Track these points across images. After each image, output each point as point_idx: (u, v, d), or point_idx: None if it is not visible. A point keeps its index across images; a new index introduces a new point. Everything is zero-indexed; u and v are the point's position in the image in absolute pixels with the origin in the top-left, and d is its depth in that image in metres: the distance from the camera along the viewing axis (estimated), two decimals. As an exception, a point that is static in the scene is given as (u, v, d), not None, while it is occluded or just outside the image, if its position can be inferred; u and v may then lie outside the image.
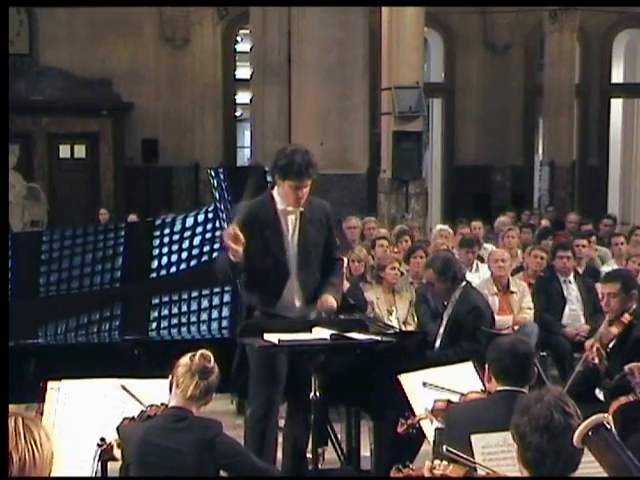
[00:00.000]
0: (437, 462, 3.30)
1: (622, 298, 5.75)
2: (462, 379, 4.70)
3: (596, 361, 5.61)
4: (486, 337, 6.15)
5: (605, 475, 3.30)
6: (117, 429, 4.10)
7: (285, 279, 5.24)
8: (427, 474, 3.33)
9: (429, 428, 4.46)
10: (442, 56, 20.24)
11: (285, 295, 5.26)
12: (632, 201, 21.22)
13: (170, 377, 4.01)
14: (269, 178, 6.12)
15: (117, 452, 4.09)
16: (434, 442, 4.36)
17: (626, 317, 5.70)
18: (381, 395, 5.28)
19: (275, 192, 5.28)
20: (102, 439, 4.10)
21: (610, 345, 5.71)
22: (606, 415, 2.65)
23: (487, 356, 4.12)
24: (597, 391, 5.67)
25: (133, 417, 4.15)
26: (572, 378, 6.16)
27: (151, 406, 4.17)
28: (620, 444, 2.56)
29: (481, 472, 3.31)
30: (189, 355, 3.99)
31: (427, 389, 4.62)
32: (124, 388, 4.36)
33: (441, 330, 6.59)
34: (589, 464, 3.29)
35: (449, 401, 4.38)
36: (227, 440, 4.01)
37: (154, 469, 3.87)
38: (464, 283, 6.65)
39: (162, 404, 4.12)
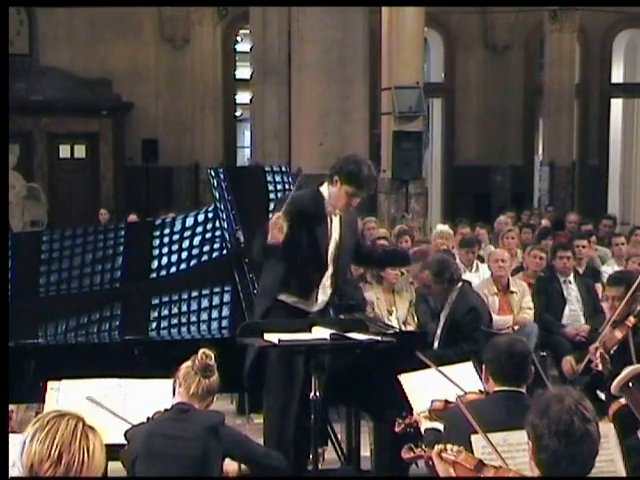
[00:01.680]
0: (449, 446, 3.28)
1: (626, 301, 5.72)
2: (462, 379, 4.70)
3: (600, 368, 5.56)
4: (485, 337, 6.15)
5: (601, 474, 3.30)
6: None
7: (322, 275, 5.34)
8: (435, 457, 3.31)
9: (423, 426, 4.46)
10: (442, 56, 20.24)
11: (317, 289, 5.34)
12: (632, 201, 21.22)
13: (173, 381, 4.05)
14: (269, 178, 6.12)
15: None
16: (425, 442, 4.36)
17: (630, 320, 5.66)
18: (381, 395, 5.28)
19: (324, 189, 5.34)
20: None
21: (613, 349, 5.67)
22: None
23: (484, 356, 4.11)
24: (598, 390, 5.67)
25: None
26: (584, 362, 6.01)
27: (155, 413, 4.20)
28: None
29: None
30: (192, 358, 4.06)
31: (427, 384, 4.62)
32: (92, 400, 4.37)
33: (439, 331, 6.59)
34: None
35: (447, 401, 4.38)
36: (230, 428, 4.12)
37: (161, 458, 3.91)
38: (461, 284, 6.65)
39: (165, 410, 4.15)
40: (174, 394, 4.07)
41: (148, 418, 4.17)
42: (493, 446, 3.30)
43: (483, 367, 4.10)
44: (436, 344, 6.56)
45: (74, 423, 2.34)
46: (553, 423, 2.79)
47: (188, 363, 4.03)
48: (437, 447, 3.31)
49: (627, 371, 2.54)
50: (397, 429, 4.53)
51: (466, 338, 6.36)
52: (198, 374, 3.99)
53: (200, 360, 4.00)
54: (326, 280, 5.37)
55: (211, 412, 4.07)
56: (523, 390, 3.96)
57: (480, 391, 4.36)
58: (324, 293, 5.39)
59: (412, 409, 4.61)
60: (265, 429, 5.44)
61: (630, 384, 2.53)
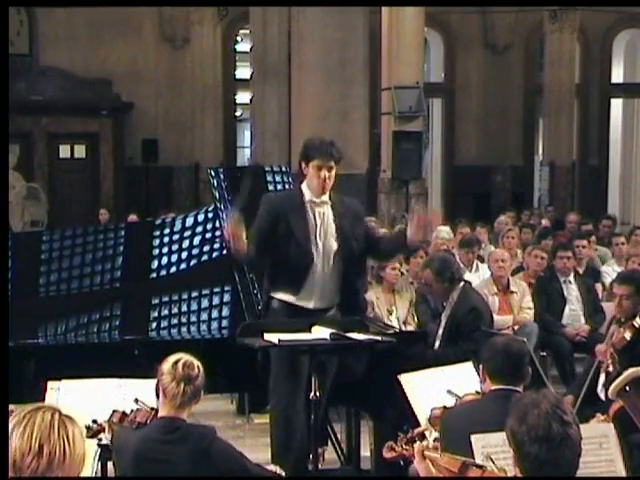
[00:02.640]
0: (427, 443, 3.24)
1: (634, 300, 5.72)
2: (462, 379, 4.70)
3: (611, 369, 5.54)
4: (485, 337, 6.14)
5: (601, 474, 3.30)
6: (108, 422, 4.12)
7: (309, 267, 5.28)
8: (417, 456, 3.29)
9: (429, 439, 4.44)
10: (442, 56, 20.24)
11: (309, 283, 5.29)
12: (632, 201, 21.22)
13: (156, 383, 3.98)
14: (269, 178, 6.12)
15: (109, 435, 4.10)
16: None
17: (637, 321, 5.65)
18: (381, 395, 5.28)
19: (304, 185, 5.38)
20: (94, 421, 4.11)
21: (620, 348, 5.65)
22: None
23: (481, 356, 4.11)
24: (599, 389, 5.66)
25: (124, 412, 4.15)
26: (585, 388, 5.94)
27: (139, 410, 4.15)
28: None
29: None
30: (172, 361, 3.93)
31: (427, 384, 4.62)
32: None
33: (440, 331, 6.57)
34: (589, 464, 3.29)
35: (445, 407, 4.37)
36: (222, 447, 3.96)
37: None
38: (462, 284, 6.63)
39: (152, 409, 4.11)
40: (157, 397, 3.98)
41: (132, 410, 4.13)
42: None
43: (480, 367, 4.10)
44: (437, 344, 6.55)
45: (50, 414, 2.35)
46: (532, 430, 2.77)
47: (169, 368, 3.89)
48: (418, 445, 3.29)
49: (624, 376, 2.54)
50: (398, 444, 4.39)
51: (466, 338, 6.35)
52: (181, 384, 3.88)
53: (182, 372, 3.88)
54: (317, 275, 5.31)
55: (202, 431, 3.94)
56: (520, 389, 3.96)
57: (477, 392, 4.35)
58: (323, 287, 5.33)
59: (416, 419, 4.56)
60: (272, 430, 5.41)
61: (627, 388, 2.52)
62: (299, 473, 5.18)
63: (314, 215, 5.32)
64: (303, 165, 5.34)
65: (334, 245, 5.33)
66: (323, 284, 5.32)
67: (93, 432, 4.11)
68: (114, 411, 4.18)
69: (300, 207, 5.30)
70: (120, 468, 3.97)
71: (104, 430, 4.11)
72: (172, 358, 3.96)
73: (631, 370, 2.57)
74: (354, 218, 5.44)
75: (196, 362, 3.95)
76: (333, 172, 5.30)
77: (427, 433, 4.37)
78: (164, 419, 3.95)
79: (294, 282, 5.29)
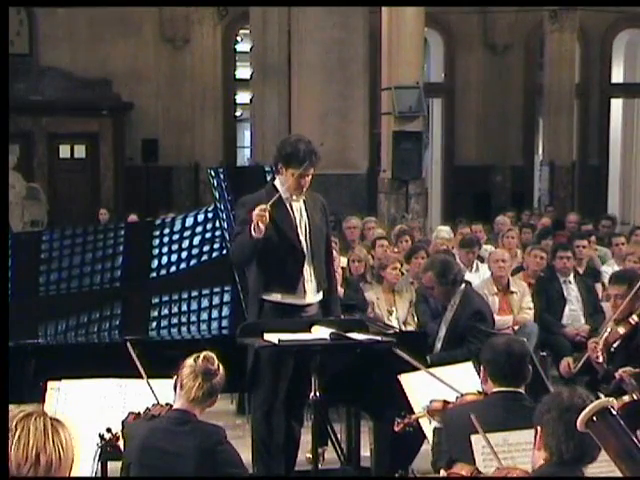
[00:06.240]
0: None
1: (630, 299, 5.72)
2: (462, 379, 4.70)
3: (600, 360, 5.57)
4: (485, 337, 6.13)
5: (601, 474, 3.30)
6: (122, 423, 4.12)
7: (302, 263, 5.32)
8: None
9: (428, 428, 4.46)
10: (442, 56, 20.24)
11: (302, 280, 5.32)
12: (632, 201, 21.21)
13: (175, 377, 3.99)
14: (269, 178, 6.14)
15: (121, 443, 4.11)
16: (433, 442, 4.36)
17: (634, 318, 5.66)
18: (381, 395, 5.28)
19: (277, 182, 5.37)
20: (108, 429, 4.11)
21: (614, 345, 5.67)
22: (611, 399, 2.62)
23: (482, 357, 4.11)
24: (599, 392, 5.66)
25: (139, 413, 4.16)
26: (581, 363, 6.00)
27: (155, 405, 4.16)
28: (625, 430, 2.53)
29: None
30: (194, 356, 3.96)
31: (427, 384, 4.63)
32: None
33: (441, 334, 6.55)
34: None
35: (445, 401, 4.38)
36: (228, 450, 3.94)
37: (154, 472, 3.85)
38: (463, 286, 6.61)
39: (167, 404, 4.12)
40: (175, 391, 4.02)
41: (147, 408, 4.14)
42: (492, 449, 3.30)
43: (481, 368, 4.10)
44: (439, 346, 6.53)
45: (42, 422, 2.32)
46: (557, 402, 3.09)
47: (191, 362, 3.92)
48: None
49: (590, 407, 2.55)
50: (396, 428, 4.53)
51: (472, 340, 6.31)
52: (199, 377, 3.89)
53: (201, 365, 3.89)
54: (307, 269, 5.35)
55: (211, 429, 3.93)
56: (521, 390, 3.96)
57: (479, 392, 4.36)
58: (311, 283, 5.37)
59: (410, 408, 4.61)
60: (252, 431, 5.41)
61: (594, 419, 2.53)
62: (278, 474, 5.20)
63: (292, 210, 5.34)
64: (279, 165, 5.30)
65: (310, 238, 5.36)
66: (311, 278, 5.35)
67: (106, 441, 4.12)
68: (130, 413, 4.19)
69: (281, 205, 5.30)
70: (126, 456, 3.97)
71: (118, 440, 4.11)
72: (197, 353, 3.97)
73: (598, 401, 2.58)
74: (322, 213, 5.52)
75: (217, 361, 3.94)
76: (310, 176, 5.31)
77: (425, 421, 4.40)
78: (176, 411, 3.96)
79: (289, 281, 5.30)
